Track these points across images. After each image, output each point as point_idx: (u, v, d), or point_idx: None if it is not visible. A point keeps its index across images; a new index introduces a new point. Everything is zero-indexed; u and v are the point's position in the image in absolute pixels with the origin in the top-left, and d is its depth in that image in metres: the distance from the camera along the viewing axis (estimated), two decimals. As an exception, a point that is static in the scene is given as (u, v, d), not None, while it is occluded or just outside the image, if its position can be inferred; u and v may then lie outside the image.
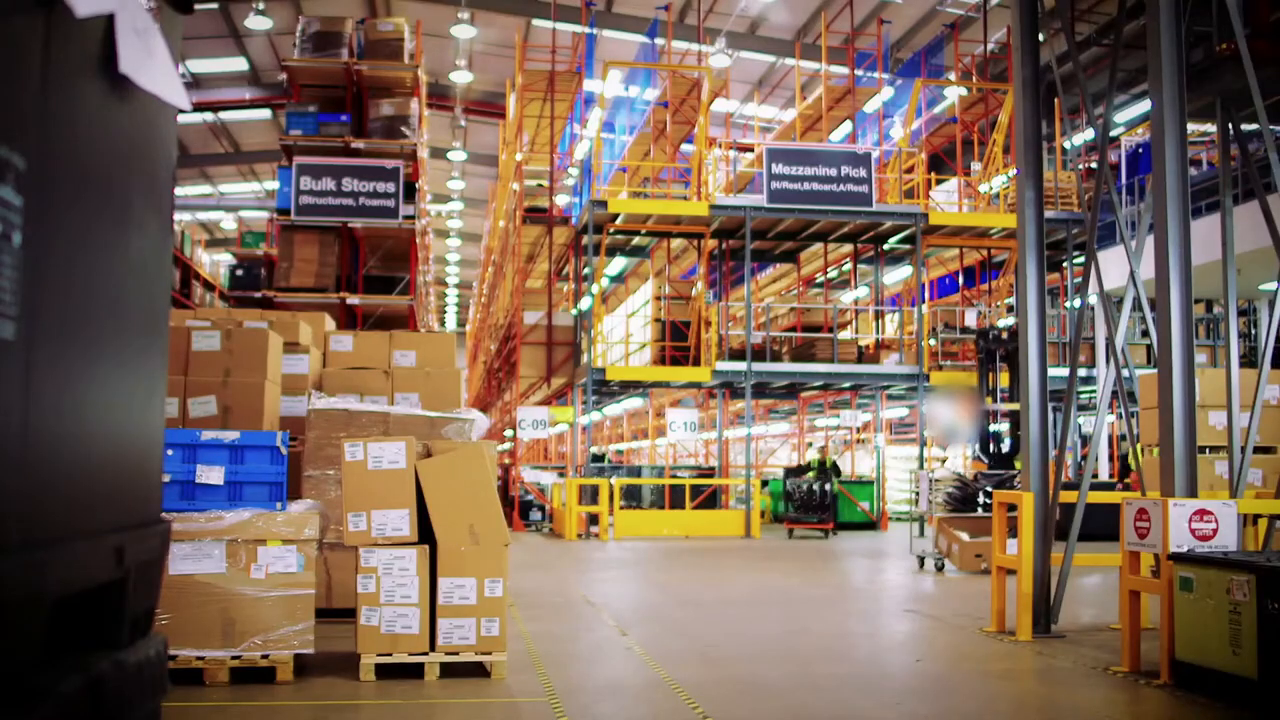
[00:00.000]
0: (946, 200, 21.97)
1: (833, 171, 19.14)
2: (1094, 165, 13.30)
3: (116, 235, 1.84)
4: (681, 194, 22.62)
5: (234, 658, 5.54)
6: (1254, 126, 7.99)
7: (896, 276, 25.58)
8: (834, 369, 19.69)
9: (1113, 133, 17.50)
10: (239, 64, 28.62)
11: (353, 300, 15.78)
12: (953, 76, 23.74)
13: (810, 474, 19.33)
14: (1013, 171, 18.89)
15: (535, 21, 25.16)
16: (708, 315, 19.74)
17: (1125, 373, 8.38)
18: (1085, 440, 20.51)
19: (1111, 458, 22.32)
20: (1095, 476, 13.35)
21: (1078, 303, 16.41)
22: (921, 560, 13.07)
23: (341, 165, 15.66)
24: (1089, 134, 19.54)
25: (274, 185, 20.80)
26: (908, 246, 21.41)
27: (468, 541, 5.80)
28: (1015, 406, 14.97)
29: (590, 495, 18.52)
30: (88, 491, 1.73)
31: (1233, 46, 7.04)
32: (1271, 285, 13.87)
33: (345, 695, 5.46)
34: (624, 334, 21.99)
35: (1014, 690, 6.15)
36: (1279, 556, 5.69)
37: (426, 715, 5.23)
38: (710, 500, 20.27)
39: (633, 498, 21.93)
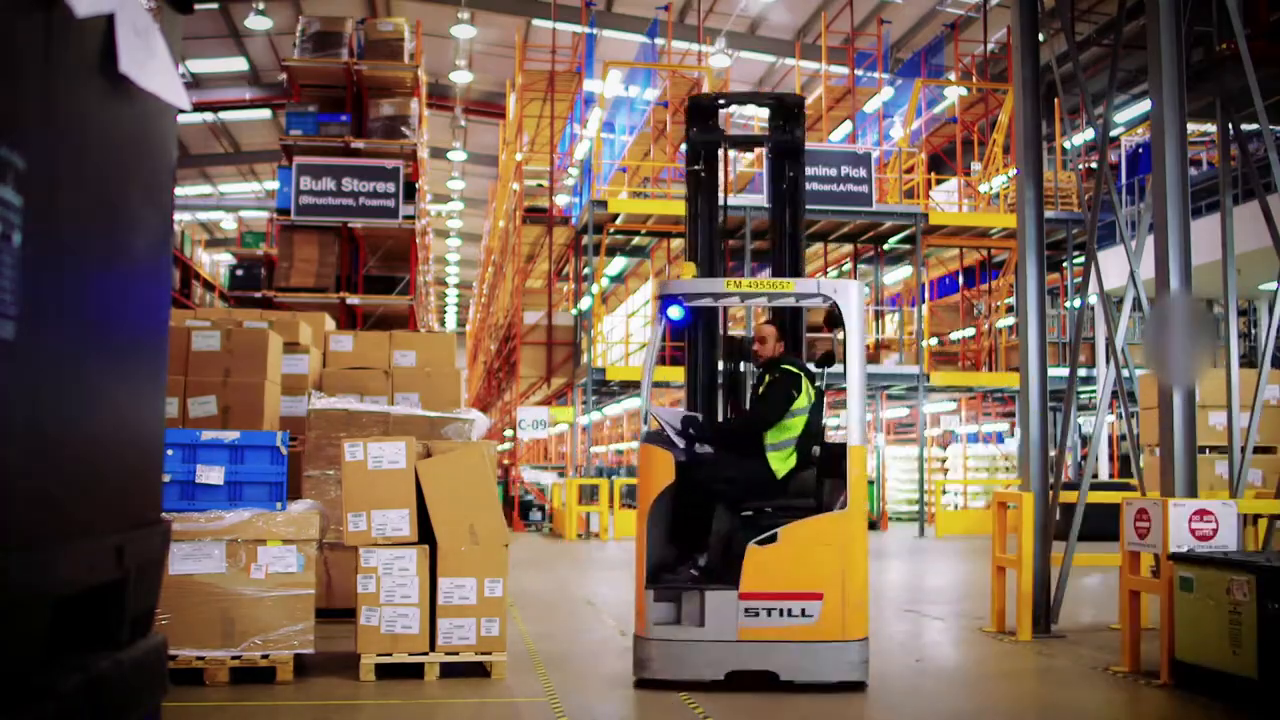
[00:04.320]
0: (946, 200, 21.97)
1: (833, 171, 19.14)
2: (1094, 165, 13.32)
3: (116, 235, 1.84)
4: (681, 194, 22.60)
5: (234, 658, 5.54)
6: (1254, 126, 8.00)
7: (896, 276, 25.59)
8: (834, 369, 19.66)
9: (1113, 133, 17.51)
10: (239, 64, 28.62)
11: (353, 300, 15.77)
12: (953, 76, 23.74)
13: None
14: (1013, 171, 18.90)
15: (535, 21, 25.16)
16: (708, 315, 19.71)
17: (1125, 373, 8.38)
18: (1085, 440, 20.52)
19: (1112, 458, 22.33)
20: (1095, 476, 13.34)
21: (1078, 303, 16.44)
22: None
23: (341, 165, 15.64)
24: (1089, 134, 19.55)
25: (274, 185, 20.80)
26: (908, 246, 21.41)
27: (468, 541, 5.80)
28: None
29: (590, 495, 18.52)
30: (88, 491, 1.73)
31: (1233, 46, 7.04)
32: (1271, 285, 13.89)
33: (345, 695, 5.46)
34: (624, 334, 21.98)
35: (1014, 690, 6.15)
36: (1279, 556, 5.69)
37: (426, 715, 5.23)
38: (710, 500, 20.25)
39: (633, 498, 21.91)
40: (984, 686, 6.26)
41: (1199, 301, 6.97)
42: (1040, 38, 8.54)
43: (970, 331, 23.57)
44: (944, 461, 26.27)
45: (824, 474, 5.87)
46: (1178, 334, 6.87)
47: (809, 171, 19.07)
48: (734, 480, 5.81)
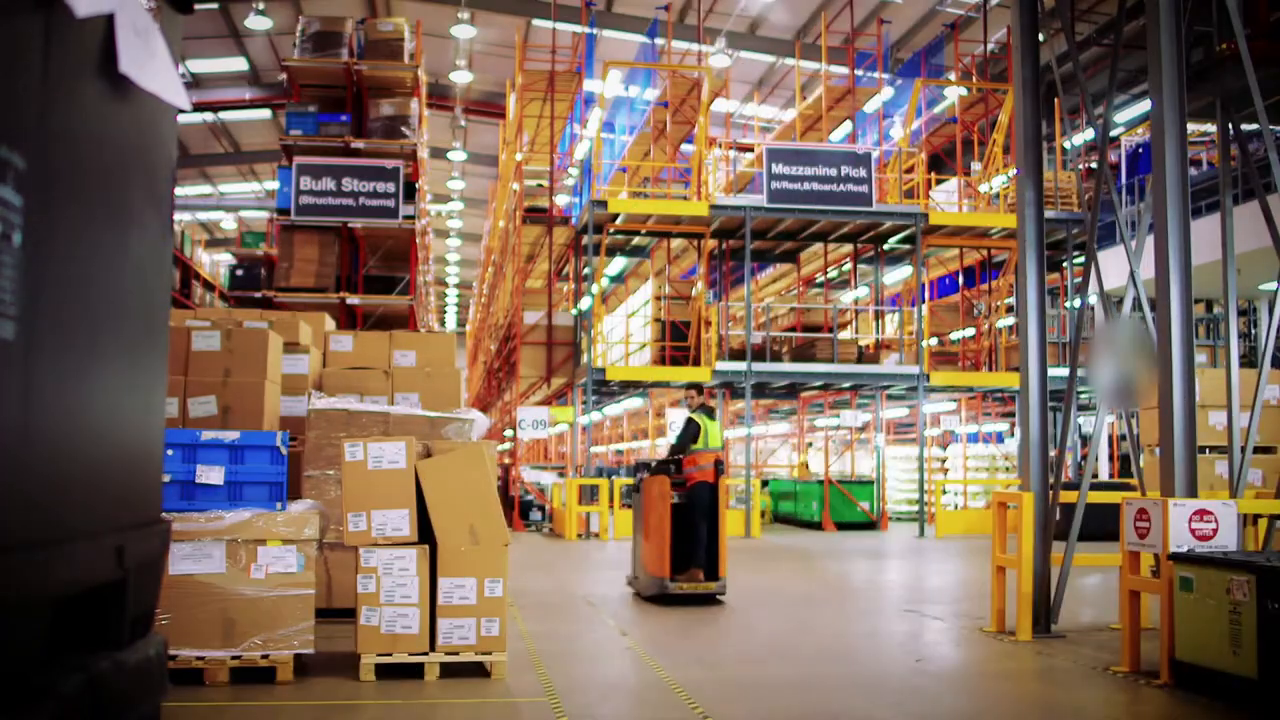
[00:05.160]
0: (946, 200, 21.97)
1: (832, 171, 19.14)
2: (1094, 165, 13.31)
3: (116, 235, 1.84)
4: (681, 194, 22.62)
5: (234, 658, 5.54)
6: (1254, 126, 8.00)
7: (896, 276, 25.58)
8: (834, 369, 19.68)
9: (1113, 133, 17.51)
10: (239, 64, 28.63)
11: (353, 300, 15.77)
12: (953, 76, 23.74)
13: None
14: (1013, 171, 18.90)
15: (535, 21, 25.16)
16: (708, 315, 19.74)
17: (1125, 373, 8.36)
18: (1085, 440, 20.53)
19: (1112, 458, 22.33)
20: (1095, 476, 13.33)
21: (1078, 303, 16.45)
22: None
23: (341, 165, 15.65)
24: (1089, 134, 19.55)
25: (274, 185, 20.80)
26: (908, 246, 21.42)
27: (468, 541, 5.80)
28: None
29: (590, 495, 18.52)
30: (88, 491, 1.73)
31: (1233, 46, 7.04)
32: (1271, 285, 13.88)
33: (346, 695, 5.46)
34: (624, 334, 21.98)
35: (1014, 690, 6.15)
36: (1279, 556, 5.69)
37: (427, 715, 5.23)
38: (710, 500, 20.23)
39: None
40: (984, 686, 6.26)
41: (1142, 326, 6.96)
42: (1040, 38, 8.54)
43: (970, 331, 23.57)
44: (944, 461, 26.27)
45: None
46: (1119, 359, 6.90)
47: (809, 171, 19.14)
48: None
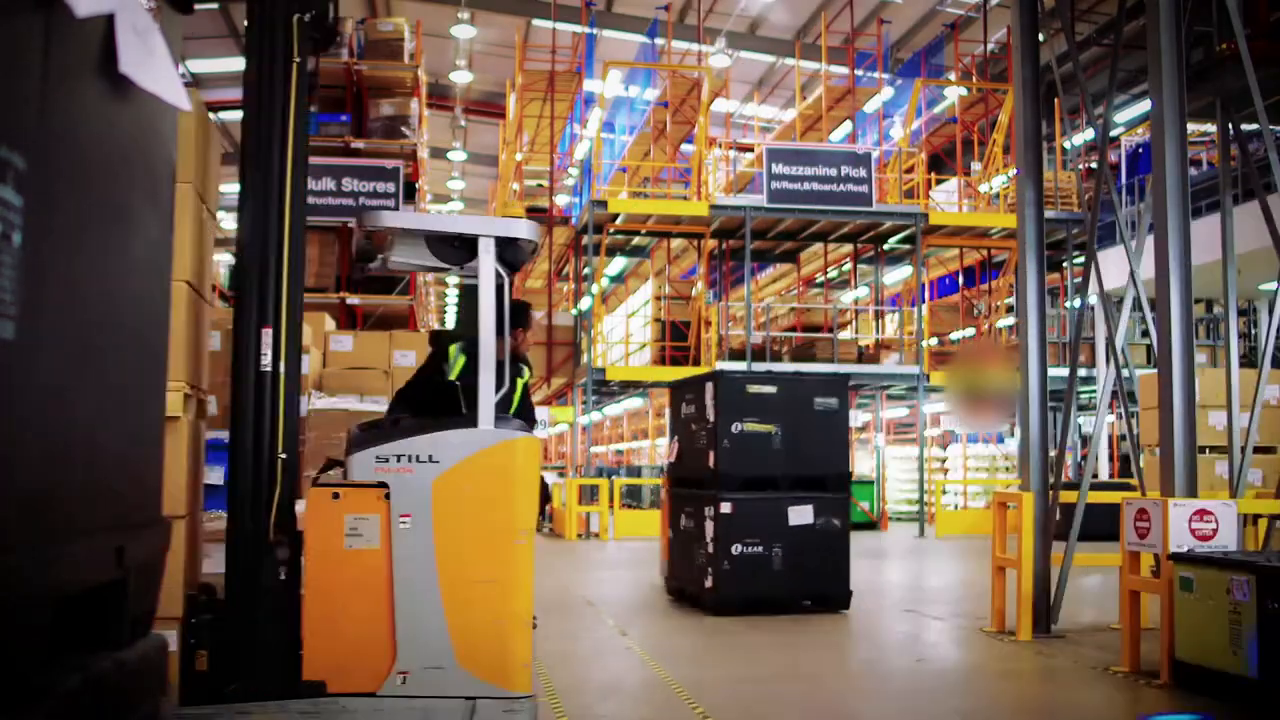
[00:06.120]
0: (946, 200, 21.97)
1: (832, 171, 19.14)
2: (1094, 165, 13.31)
3: (116, 235, 1.84)
4: (681, 194, 22.63)
5: (234, 658, 5.52)
6: (1254, 126, 8.00)
7: (896, 276, 25.59)
8: (834, 369, 19.68)
9: (1113, 133, 17.50)
10: (239, 64, 28.55)
11: (353, 300, 15.75)
12: (953, 76, 23.74)
13: None
14: (1013, 171, 18.89)
15: (535, 21, 25.16)
16: (708, 315, 19.74)
17: (1125, 373, 8.37)
18: (1085, 440, 20.52)
19: (1112, 458, 22.32)
20: (1095, 476, 13.32)
21: (1078, 303, 16.46)
22: None
23: (341, 165, 15.62)
24: (1089, 134, 19.54)
25: (274, 185, 20.74)
26: (908, 246, 21.42)
27: (468, 541, 5.79)
28: None
29: (590, 495, 18.53)
30: (88, 491, 1.73)
31: (1233, 46, 7.04)
32: (1271, 285, 13.87)
33: (345, 695, 5.45)
34: (624, 334, 21.99)
35: (1014, 690, 6.15)
36: (1279, 556, 5.69)
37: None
38: (710, 500, 20.24)
39: (633, 498, 21.92)
40: (984, 686, 6.26)
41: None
42: (1040, 38, 8.54)
43: (970, 331, 23.57)
44: (944, 461, 26.26)
45: None
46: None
47: (809, 171, 19.14)
48: None
